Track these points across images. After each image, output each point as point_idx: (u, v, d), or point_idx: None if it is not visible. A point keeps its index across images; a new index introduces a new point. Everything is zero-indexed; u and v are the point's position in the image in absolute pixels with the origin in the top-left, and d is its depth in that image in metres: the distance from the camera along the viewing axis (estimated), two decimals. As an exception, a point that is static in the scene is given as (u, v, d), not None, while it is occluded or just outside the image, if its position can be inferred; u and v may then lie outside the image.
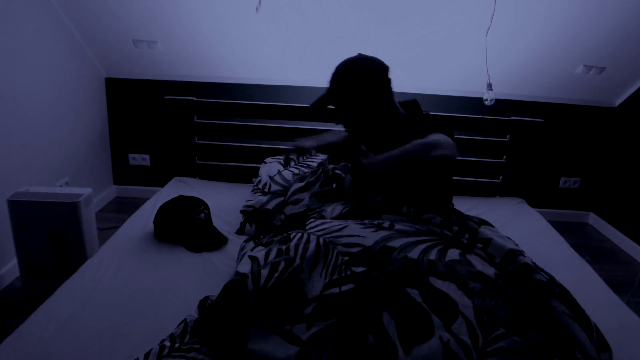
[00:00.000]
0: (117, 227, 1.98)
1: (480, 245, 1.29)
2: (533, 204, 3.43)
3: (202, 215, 1.86)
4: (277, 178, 2.22)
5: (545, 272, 1.26)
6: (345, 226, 1.31)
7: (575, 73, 2.90)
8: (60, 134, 2.74)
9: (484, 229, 1.35)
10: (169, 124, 2.68)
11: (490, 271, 1.14)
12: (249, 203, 2.08)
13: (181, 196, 1.92)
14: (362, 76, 1.53)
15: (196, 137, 2.71)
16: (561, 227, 3.22)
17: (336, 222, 1.36)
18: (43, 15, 2.49)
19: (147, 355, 1.06)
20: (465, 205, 2.36)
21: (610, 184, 3.32)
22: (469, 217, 1.46)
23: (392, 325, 0.97)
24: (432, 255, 1.15)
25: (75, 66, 2.86)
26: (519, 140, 2.62)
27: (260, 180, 2.26)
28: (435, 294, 1.03)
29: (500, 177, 2.72)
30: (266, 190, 2.17)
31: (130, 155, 3.41)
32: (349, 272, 1.10)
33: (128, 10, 2.63)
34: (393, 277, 1.07)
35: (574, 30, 2.59)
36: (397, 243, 1.20)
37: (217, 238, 1.83)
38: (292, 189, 1.98)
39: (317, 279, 1.11)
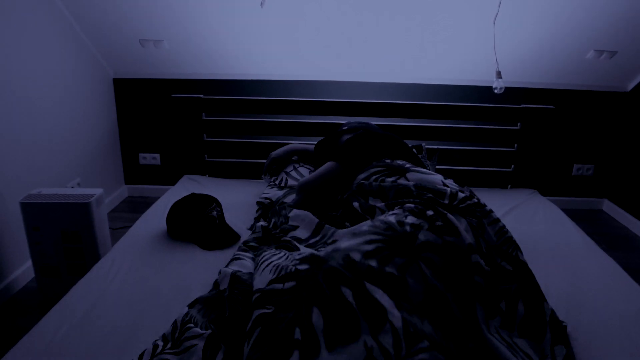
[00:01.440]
0: (129, 227, 1.99)
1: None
2: (546, 191, 3.41)
3: (214, 212, 1.86)
4: (294, 174, 2.23)
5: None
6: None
7: (586, 58, 2.85)
8: (71, 135, 2.75)
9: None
10: (178, 123, 2.68)
11: (423, 289, 1.14)
12: (266, 195, 2.10)
13: (193, 194, 1.92)
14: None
15: (205, 135, 2.71)
16: (575, 215, 3.19)
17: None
18: (49, 16, 2.50)
19: (141, 355, 1.09)
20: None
21: (624, 170, 3.27)
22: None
23: (320, 322, 1.01)
24: (373, 262, 1.16)
25: (83, 68, 2.87)
26: (530, 128, 2.59)
27: (275, 177, 2.29)
28: (367, 297, 1.06)
29: (512, 165, 2.69)
30: (282, 185, 2.20)
31: (141, 155, 3.43)
32: (293, 270, 1.17)
33: (133, 10, 2.63)
34: (330, 274, 1.11)
35: (583, 14, 2.54)
36: (342, 244, 1.26)
37: (229, 235, 1.82)
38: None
39: (267, 274, 1.22)
